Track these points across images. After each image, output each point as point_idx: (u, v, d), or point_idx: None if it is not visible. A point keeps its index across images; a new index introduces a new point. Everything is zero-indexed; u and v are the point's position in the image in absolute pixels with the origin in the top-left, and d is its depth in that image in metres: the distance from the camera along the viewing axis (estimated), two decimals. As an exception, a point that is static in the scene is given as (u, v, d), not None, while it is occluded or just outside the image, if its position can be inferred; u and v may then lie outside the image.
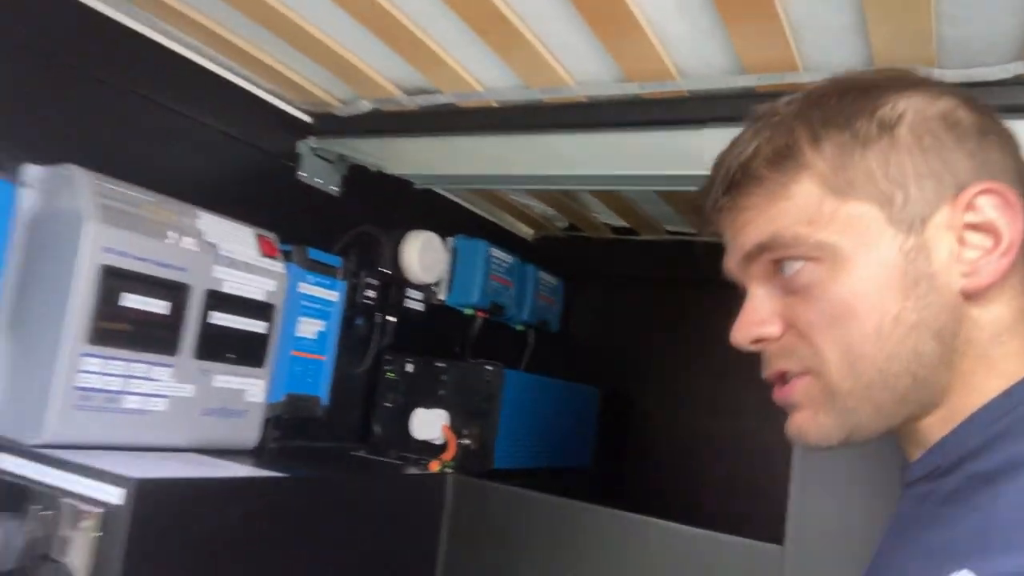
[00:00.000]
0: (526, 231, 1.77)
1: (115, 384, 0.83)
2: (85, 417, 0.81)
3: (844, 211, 0.56)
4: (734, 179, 0.61)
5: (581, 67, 0.93)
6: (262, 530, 0.81)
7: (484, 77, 0.99)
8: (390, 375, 1.33)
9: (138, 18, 0.95)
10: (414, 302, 1.41)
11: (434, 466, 1.15)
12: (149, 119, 0.98)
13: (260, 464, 0.93)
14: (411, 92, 1.06)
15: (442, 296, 1.46)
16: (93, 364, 0.80)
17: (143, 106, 0.97)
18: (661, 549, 0.96)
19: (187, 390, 0.90)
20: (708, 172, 0.63)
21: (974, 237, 0.54)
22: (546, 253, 1.75)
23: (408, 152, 1.16)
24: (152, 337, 0.85)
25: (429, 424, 1.24)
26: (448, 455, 1.18)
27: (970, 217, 0.54)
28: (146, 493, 0.69)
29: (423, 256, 1.37)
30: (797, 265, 0.57)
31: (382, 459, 1.22)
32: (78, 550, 0.71)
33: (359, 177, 1.26)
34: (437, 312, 1.46)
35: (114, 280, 0.80)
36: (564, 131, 1.02)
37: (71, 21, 0.89)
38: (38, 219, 0.81)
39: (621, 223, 1.65)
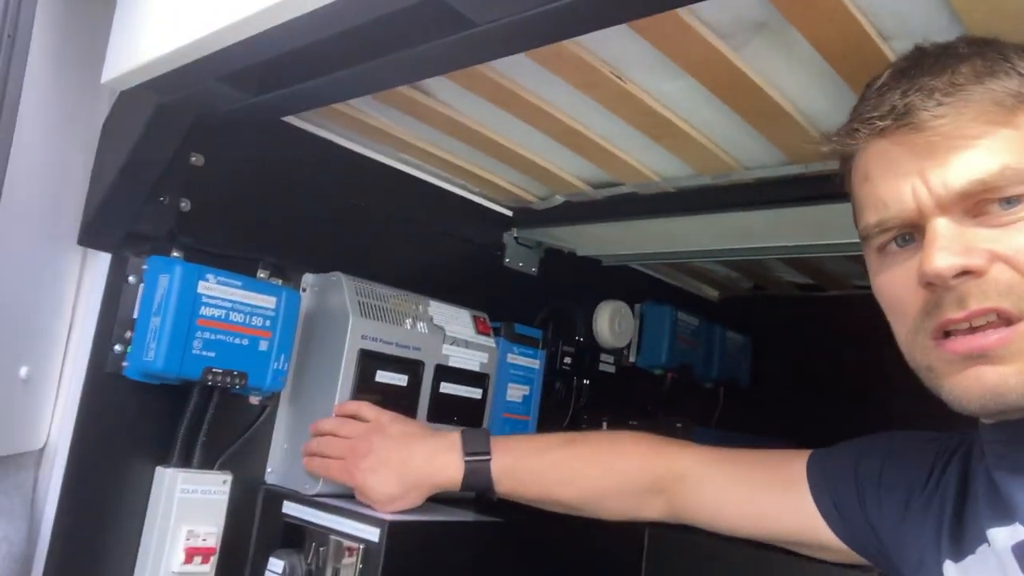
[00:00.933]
0: (711, 293, 1.86)
1: (369, 444, 1.04)
2: (347, 470, 1.02)
3: None
4: (949, 91, 0.55)
5: (746, 154, 1.04)
6: (482, 566, 0.97)
7: (660, 169, 1.13)
8: (588, 433, 1.47)
9: (377, 150, 1.19)
10: (606, 365, 1.55)
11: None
12: (389, 229, 1.21)
13: (482, 510, 1.10)
14: (597, 186, 1.22)
15: (632, 359, 1.59)
16: (354, 428, 1.02)
17: (384, 219, 1.20)
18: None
19: (422, 448, 1.09)
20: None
21: None
22: (732, 312, 1.83)
23: (597, 235, 1.32)
24: (396, 405, 1.05)
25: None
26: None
27: None
28: (396, 532, 0.88)
29: (613, 323, 1.51)
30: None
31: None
32: (346, 578, 0.90)
33: (554, 259, 1.44)
34: (629, 374, 1.59)
35: (369, 361, 1.02)
36: (731, 210, 1.13)
37: (328, 157, 1.14)
38: (313, 315, 1.05)
39: (806, 280, 1.70)
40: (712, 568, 1.15)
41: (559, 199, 1.28)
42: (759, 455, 0.89)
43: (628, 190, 1.19)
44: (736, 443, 1.50)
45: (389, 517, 0.89)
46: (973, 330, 0.54)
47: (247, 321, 0.94)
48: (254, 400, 1.01)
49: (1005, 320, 0.53)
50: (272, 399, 1.03)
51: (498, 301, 1.31)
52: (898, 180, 0.57)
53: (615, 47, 0.81)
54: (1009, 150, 0.54)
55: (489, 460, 0.94)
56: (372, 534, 0.87)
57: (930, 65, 0.57)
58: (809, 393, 1.79)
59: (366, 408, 0.99)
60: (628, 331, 1.55)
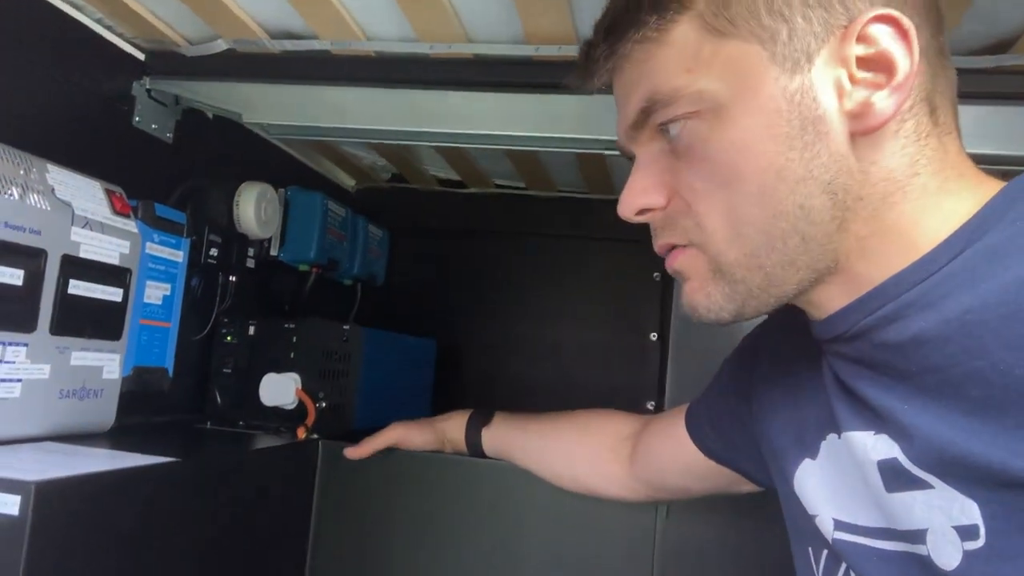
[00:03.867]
0: (348, 182, 1.71)
1: (-41, 370, 0.70)
2: (-79, 411, 0.67)
3: (724, 53, 0.50)
4: (612, 25, 0.55)
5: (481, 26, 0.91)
6: (157, 517, 0.73)
7: (370, 23, 0.93)
8: (229, 339, 1.24)
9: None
10: (249, 259, 1.31)
11: (301, 432, 1.10)
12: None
13: (128, 448, 0.83)
14: (277, 36, 0.97)
15: (275, 252, 1.37)
16: (-65, 348, 0.67)
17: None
18: (529, 493, 1.00)
19: (44, 371, 0.77)
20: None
21: (865, 74, 0.49)
22: (369, 204, 1.70)
23: (258, 98, 1.06)
24: (5, 312, 0.72)
25: (281, 389, 1.17)
26: (310, 420, 1.14)
27: (861, 50, 0.49)
28: (46, 498, 0.60)
29: (259, 208, 1.27)
30: (682, 128, 0.52)
31: (233, 430, 1.15)
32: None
33: (192, 123, 1.14)
34: (271, 268, 1.37)
35: (-39, 247, 0.67)
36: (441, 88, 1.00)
37: None
38: None
39: (451, 176, 1.65)
40: (395, 483, 1.06)
41: (221, 44, 1.00)
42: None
43: (320, 46, 0.97)
44: (395, 343, 1.42)
45: (32, 477, 0.60)
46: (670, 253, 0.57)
47: None
48: None
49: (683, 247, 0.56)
50: None
51: (124, 171, 0.98)
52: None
53: None
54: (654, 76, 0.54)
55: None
56: (9, 504, 0.58)
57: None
58: (442, 290, 1.78)
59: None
60: (274, 220, 1.32)
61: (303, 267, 1.42)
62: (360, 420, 1.22)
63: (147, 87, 1.04)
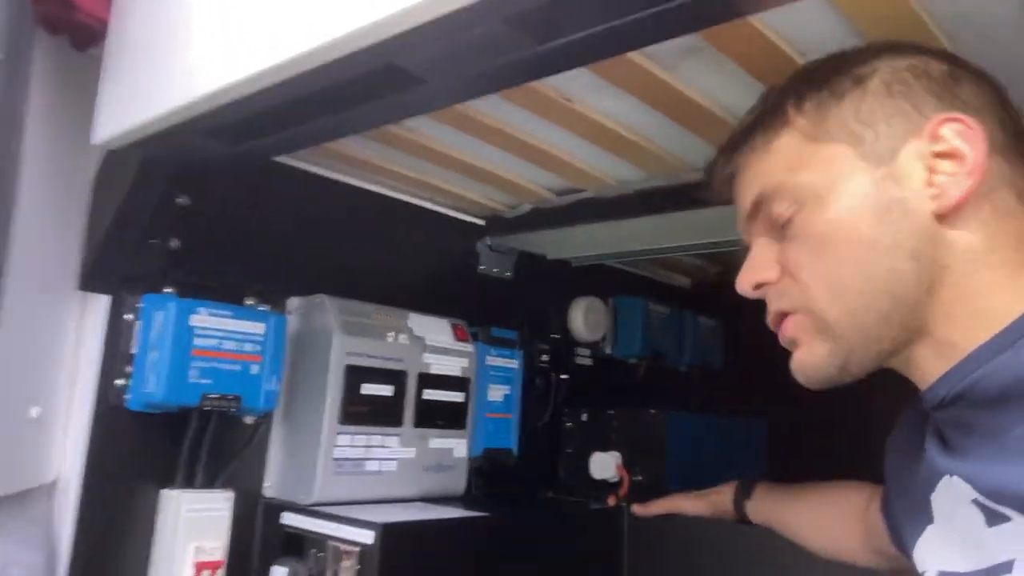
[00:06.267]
0: (683, 281, 1.94)
1: (359, 453, 1.10)
2: (341, 480, 1.08)
3: (820, 154, 0.62)
4: (730, 144, 0.70)
5: (692, 156, 1.11)
6: (475, 560, 1.05)
7: (615, 174, 1.20)
8: (568, 425, 1.54)
9: (354, 175, 1.25)
10: (583, 359, 1.62)
11: (612, 500, 1.34)
12: (368, 248, 1.27)
13: (469, 507, 1.17)
14: (560, 193, 1.29)
15: (608, 350, 1.67)
16: (344, 439, 1.08)
17: (363, 239, 1.27)
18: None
19: (411, 452, 1.16)
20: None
21: (943, 164, 0.59)
22: (703, 297, 1.90)
23: (563, 238, 1.40)
24: (383, 414, 1.12)
25: (604, 465, 1.43)
26: (623, 491, 1.37)
27: (937, 146, 0.59)
28: (390, 533, 0.94)
29: (586, 318, 1.59)
30: (787, 212, 0.63)
31: (568, 498, 1.43)
32: (345, 581, 0.97)
33: (527, 263, 1.52)
34: (605, 365, 1.66)
35: (355, 375, 1.08)
36: (685, 208, 1.20)
37: (307, 187, 1.20)
38: (300, 336, 1.12)
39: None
40: (693, 548, 1.23)
41: (526, 207, 1.35)
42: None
43: (589, 195, 1.27)
44: (709, 423, 1.59)
45: (382, 520, 0.96)
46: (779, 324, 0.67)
47: (239, 347, 1.00)
48: (249, 420, 1.08)
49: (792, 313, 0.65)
50: (265, 418, 1.10)
51: (476, 307, 1.38)
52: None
53: (561, 77, 0.88)
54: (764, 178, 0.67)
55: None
56: (367, 537, 0.94)
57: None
58: (779, 371, 1.87)
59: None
60: (601, 324, 1.62)
61: (632, 360, 1.69)
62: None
63: (488, 243, 1.44)
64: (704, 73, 0.86)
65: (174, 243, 1.01)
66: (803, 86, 0.66)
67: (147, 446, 1.00)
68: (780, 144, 0.65)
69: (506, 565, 1.09)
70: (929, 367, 0.62)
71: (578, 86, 0.90)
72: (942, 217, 0.59)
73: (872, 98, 0.61)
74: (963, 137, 0.58)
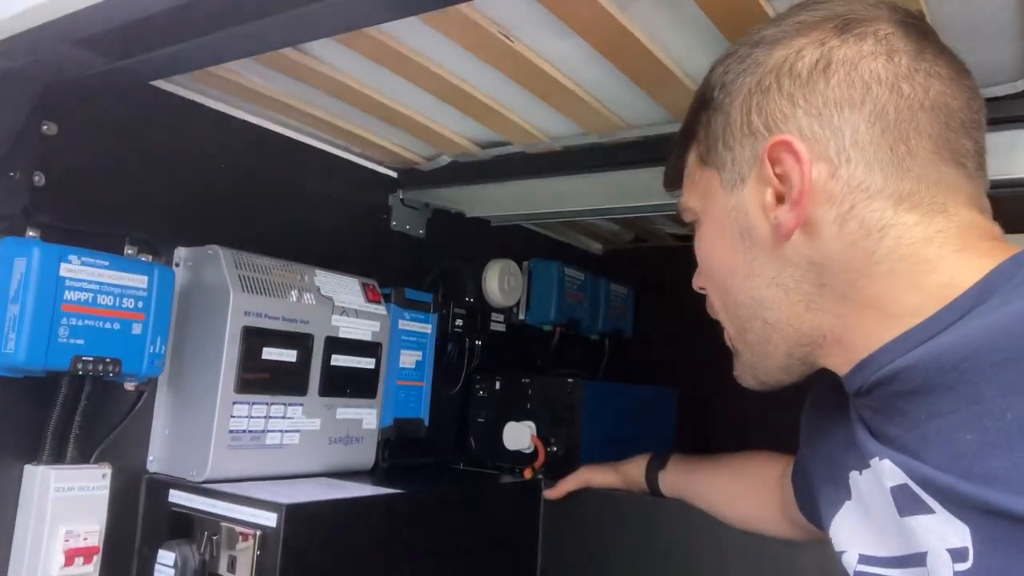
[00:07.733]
0: (595, 247, 1.89)
1: (258, 424, 0.99)
2: (237, 454, 0.97)
3: (702, 178, 0.62)
4: (676, 144, 0.69)
5: (632, 113, 1.04)
6: (387, 540, 0.96)
7: (547, 128, 1.11)
8: (481, 393, 1.47)
9: (252, 112, 1.11)
10: (497, 324, 1.55)
11: (527, 473, 1.28)
12: (267, 196, 1.14)
13: (380, 483, 1.08)
14: (485, 146, 1.20)
15: (522, 316, 1.60)
16: (241, 409, 0.97)
17: (262, 186, 1.14)
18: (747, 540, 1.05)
19: (315, 424, 1.06)
20: None
21: (782, 188, 0.55)
22: (615, 265, 1.86)
23: (485, 195, 1.30)
24: (285, 382, 1.01)
25: (519, 435, 1.37)
26: (539, 462, 1.32)
27: (776, 169, 0.55)
28: (294, 515, 0.85)
29: (502, 282, 1.51)
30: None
31: (480, 470, 1.36)
32: (242, 567, 0.86)
33: (442, 220, 1.41)
34: (518, 331, 1.59)
35: (254, 337, 0.97)
36: (617, 168, 1.14)
37: (198, 122, 1.06)
38: (189, 292, 0.98)
39: (685, 231, 1.75)
40: (609, 520, 1.19)
41: (445, 159, 1.25)
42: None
43: (515, 149, 1.18)
44: (624, 393, 1.55)
45: (285, 500, 0.85)
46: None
47: (117, 303, 0.87)
48: (130, 386, 0.95)
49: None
50: (149, 384, 0.97)
51: (386, 265, 1.27)
52: None
53: (503, 5, 0.78)
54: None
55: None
56: (269, 519, 0.84)
57: None
58: (688, 340, 1.86)
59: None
60: (517, 289, 1.55)
61: (546, 327, 1.62)
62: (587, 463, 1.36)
63: (400, 197, 1.33)
64: (660, 14, 0.79)
65: (38, 178, 0.86)
66: (710, 95, 0.62)
67: (8, 416, 0.86)
68: (689, 159, 0.65)
69: (419, 542, 1.01)
70: (839, 367, 0.59)
71: (522, 19, 0.81)
72: (796, 241, 0.55)
73: (736, 115, 0.58)
74: (790, 161, 0.54)
